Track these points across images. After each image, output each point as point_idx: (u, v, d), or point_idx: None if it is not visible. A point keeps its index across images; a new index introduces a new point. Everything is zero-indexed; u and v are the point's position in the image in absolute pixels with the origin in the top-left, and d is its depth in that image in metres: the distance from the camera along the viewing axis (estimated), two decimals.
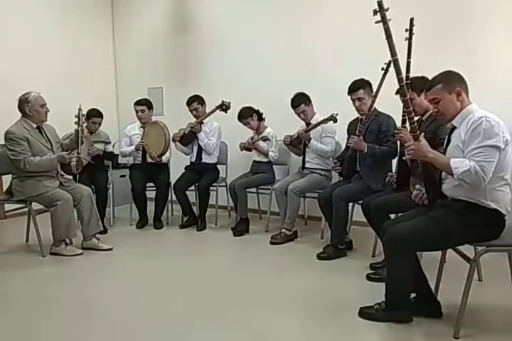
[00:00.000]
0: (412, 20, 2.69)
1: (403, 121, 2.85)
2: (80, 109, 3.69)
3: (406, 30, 2.69)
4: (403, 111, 2.84)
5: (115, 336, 2.27)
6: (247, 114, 4.24)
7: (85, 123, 3.94)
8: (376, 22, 2.13)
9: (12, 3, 4.91)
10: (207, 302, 2.64)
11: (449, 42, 3.67)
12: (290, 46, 4.61)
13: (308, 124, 3.95)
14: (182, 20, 5.44)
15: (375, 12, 2.12)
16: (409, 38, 2.71)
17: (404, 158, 2.37)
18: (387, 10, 2.13)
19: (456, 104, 2.19)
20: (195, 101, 4.37)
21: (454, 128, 2.26)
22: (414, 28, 2.71)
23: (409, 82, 2.72)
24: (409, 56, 2.74)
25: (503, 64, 3.56)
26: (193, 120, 4.38)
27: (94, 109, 4.31)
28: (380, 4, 2.11)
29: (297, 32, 4.56)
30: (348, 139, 3.62)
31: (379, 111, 3.40)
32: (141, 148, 4.41)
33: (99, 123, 4.38)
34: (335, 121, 3.72)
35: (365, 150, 3.26)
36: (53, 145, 3.60)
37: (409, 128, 2.27)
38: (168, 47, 5.60)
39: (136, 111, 4.47)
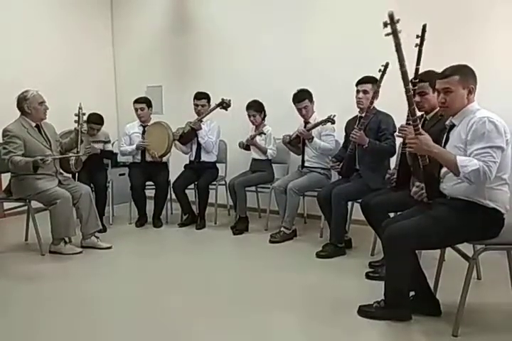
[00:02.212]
0: (424, 26, 2.56)
1: (407, 124, 2.78)
2: (80, 108, 3.68)
3: (417, 37, 2.54)
4: (407, 117, 2.76)
5: (114, 334, 2.27)
6: (257, 108, 4.26)
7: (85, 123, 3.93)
8: (386, 34, 2.02)
9: (12, 3, 4.90)
10: (206, 301, 2.64)
11: (449, 43, 3.66)
12: (289, 45, 4.60)
13: (306, 123, 3.96)
14: (181, 19, 5.43)
15: (385, 24, 2.00)
16: (420, 45, 2.57)
17: (407, 150, 2.31)
18: (397, 22, 2.00)
19: (464, 100, 2.18)
20: (205, 99, 4.38)
21: (452, 126, 2.26)
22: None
23: (419, 76, 2.67)
24: (418, 63, 2.62)
25: (503, 64, 3.56)
26: (192, 119, 4.37)
27: (96, 115, 4.27)
28: (391, 17, 1.99)
29: (297, 31, 4.56)
30: (345, 137, 3.64)
31: (378, 110, 3.41)
32: (141, 148, 4.41)
33: (98, 130, 4.37)
34: (332, 122, 3.74)
35: (366, 145, 3.26)
36: (52, 144, 3.59)
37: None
38: (167, 46, 5.59)
39: (136, 109, 4.47)
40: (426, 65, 2.70)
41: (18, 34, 4.91)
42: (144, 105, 4.45)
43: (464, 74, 2.16)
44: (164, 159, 4.50)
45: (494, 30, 3.59)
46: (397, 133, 2.89)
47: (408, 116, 2.66)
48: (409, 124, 2.68)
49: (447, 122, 2.30)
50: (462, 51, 3.58)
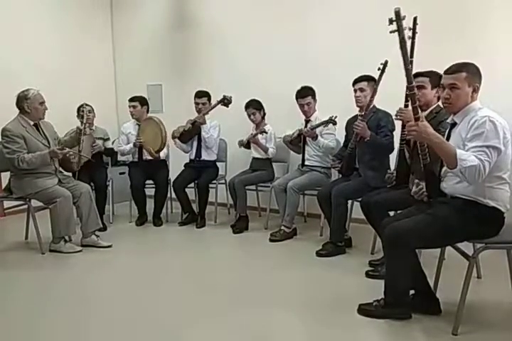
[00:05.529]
0: (415, 19, 2.60)
1: (405, 106, 2.76)
2: (83, 107, 3.68)
3: (409, 29, 2.62)
4: (406, 97, 2.72)
5: (114, 334, 2.27)
6: (256, 106, 4.27)
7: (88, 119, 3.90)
8: (391, 31, 2.02)
9: (11, 0, 4.88)
10: (206, 300, 2.64)
11: (449, 41, 3.65)
12: (290, 43, 4.59)
13: (307, 122, 3.96)
14: (182, 16, 5.42)
15: (390, 21, 2.00)
16: (413, 37, 2.61)
17: (406, 137, 2.27)
18: (403, 19, 2.00)
19: (468, 98, 2.17)
20: (206, 97, 4.39)
21: (453, 124, 2.25)
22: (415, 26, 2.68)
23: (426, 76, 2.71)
24: (411, 55, 2.67)
25: (503, 64, 3.54)
26: (192, 117, 4.37)
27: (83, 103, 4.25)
28: (397, 14, 1.98)
29: (297, 29, 4.54)
30: (345, 136, 3.64)
31: (378, 108, 3.41)
32: (138, 145, 4.40)
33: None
34: (334, 123, 3.74)
35: (368, 138, 3.25)
36: (50, 142, 3.58)
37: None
38: (167, 44, 5.58)
39: (129, 107, 4.48)
40: (426, 65, 2.69)
41: (17, 31, 4.90)
42: (136, 103, 4.44)
43: (471, 72, 2.15)
44: (162, 155, 4.49)
45: (495, 30, 3.58)
46: (394, 117, 2.87)
47: (406, 100, 2.65)
48: (406, 107, 2.68)
49: (449, 120, 2.30)
50: (462, 51, 3.57)
